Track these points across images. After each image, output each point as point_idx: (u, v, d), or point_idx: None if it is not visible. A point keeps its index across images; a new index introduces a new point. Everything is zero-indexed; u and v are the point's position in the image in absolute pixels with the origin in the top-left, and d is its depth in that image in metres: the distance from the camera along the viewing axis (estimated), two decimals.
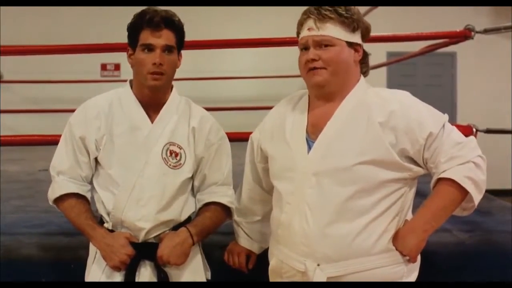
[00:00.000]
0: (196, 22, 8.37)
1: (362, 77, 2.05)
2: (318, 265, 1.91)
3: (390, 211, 1.92)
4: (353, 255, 1.89)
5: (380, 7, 5.61)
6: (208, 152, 2.25)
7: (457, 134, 1.96)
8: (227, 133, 2.39)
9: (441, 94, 9.20)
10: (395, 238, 1.93)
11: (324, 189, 1.90)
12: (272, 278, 2.12)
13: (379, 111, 1.91)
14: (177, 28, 2.17)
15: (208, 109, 2.36)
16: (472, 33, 3.31)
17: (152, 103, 2.21)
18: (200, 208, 2.28)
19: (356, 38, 1.98)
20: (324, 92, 1.99)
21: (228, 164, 2.32)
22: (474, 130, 3.04)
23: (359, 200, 1.89)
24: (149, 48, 2.12)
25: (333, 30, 1.93)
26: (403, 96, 1.99)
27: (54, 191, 2.22)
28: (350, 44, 1.97)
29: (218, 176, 2.28)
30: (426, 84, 9.18)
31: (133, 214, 2.13)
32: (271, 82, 8.38)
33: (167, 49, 2.13)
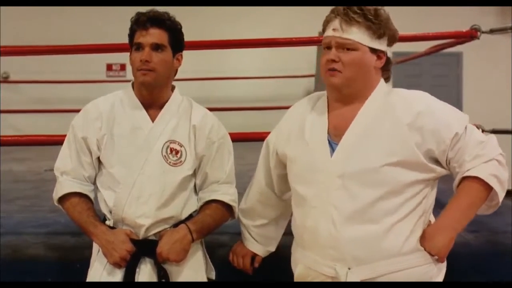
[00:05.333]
0: (204, 22, 8.40)
1: (382, 79, 2.02)
2: (349, 268, 1.88)
3: (416, 212, 1.91)
4: (383, 256, 1.87)
5: (385, 7, 5.60)
6: (209, 150, 2.26)
7: (479, 133, 1.97)
8: (234, 133, 2.39)
9: (447, 94, 9.15)
10: (423, 238, 1.92)
11: (351, 191, 1.88)
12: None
13: (405, 112, 1.90)
14: (169, 28, 2.20)
15: (215, 109, 2.36)
16: (478, 33, 3.31)
17: (152, 102, 2.24)
18: (202, 206, 2.28)
19: (381, 45, 1.95)
20: (341, 94, 1.97)
21: (230, 163, 2.33)
22: (480, 130, 3.03)
23: (386, 201, 1.87)
24: (139, 47, 2.17)
25: (357, 35, 1.90)
26: (427, 97, 1.99)
27: (57, 191, 2.26)
28: (374, 50, 1.94)
29: (219, 174, 2.29)
30: (431, 85, 9.14)
31: (133, 211, 2.15)
32: (278, 83, 8.38)
33: (156, 47, 2.16)
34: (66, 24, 8.69)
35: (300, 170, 2.02)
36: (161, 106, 2.24)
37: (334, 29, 1.93)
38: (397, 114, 1.91)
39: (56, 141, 2.37)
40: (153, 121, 2.22)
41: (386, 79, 2.05)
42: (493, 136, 1.98)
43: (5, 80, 8.82)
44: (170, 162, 2.18)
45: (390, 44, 1.99)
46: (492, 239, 2.83)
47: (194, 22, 8.45)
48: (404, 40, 4.06)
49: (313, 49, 7.28)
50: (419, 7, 8.08)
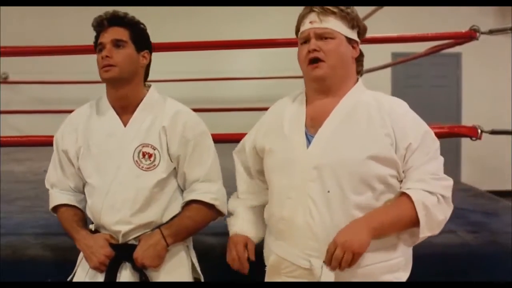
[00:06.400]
0: (203, 23, 8.40)
1: (360, 79, 2.08)
2: (324, 262, 1.88)
3: None
4: None
5: (385, 8, 5.60)
6: (185, 149, 2.21)
7: (439, 167, 1.95)
8: (233, 134, 2.37)
9: (446, 95, 9.17)
10: (342, 231, 1.85)
11: (327, 183, 1.89)
12: (270, 276, 2.08)
13: (378, 114, 1.94)
14: (128, 24, 2.22)
15: (212, 110, 2.35)
16: (477, 34, 3.30)
17: (125, 105, 2.23)
18: (182, 207, 2.25)
19: (354, 35, 2.03)
20: (324, 85, 2.01)
21: (211, 160, 2.27)
22: (479, 131, 3.04)
23: (360, 194, 1.88)
24: (101, 47, 2.19)
25: (335, 23, 1.98)
26: (400, 104, 2.01)
27: (49, 203, 2.34)
28: (349, 40, 2.01)
29: (198, 173, 2.24)
30: (431, 85, 9.16)
31: (109, 218, 2.16)
32: (275, 83, 8.37)
33: (117, 43, 2.18)
34: (66, 25, 8.69)
35: (277, 162, 2.03)
36: (134, 109, 2.23)
37: (311, 22, 2.01)
38: (372, 114, 1.95)
39: None
40: (126, 125, 2.21)
41: (359, 72, 2.10)
42: (450, 179, 1.96)
43: (5, 80, 8.82)
44: (142, 167, 2.16)
45: (361, 36, 2.07)
46: (492, 240, 2.84)
47: (193, 23, 8.47)
48: (404, 41, 4.07)
49: None
50: (418, 8, 8.08)
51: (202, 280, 2.33)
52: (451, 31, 3.65)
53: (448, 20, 6.87)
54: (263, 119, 2.22)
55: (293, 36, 3.45)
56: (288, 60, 7.90)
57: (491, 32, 3.34)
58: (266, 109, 2.26)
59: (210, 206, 2.24)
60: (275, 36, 3.74)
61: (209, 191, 2.24)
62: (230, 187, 2.34)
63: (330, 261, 1.84)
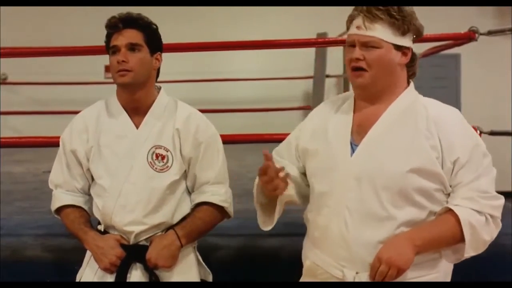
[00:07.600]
0: (204, 24, 8.40)
1: (412, 84, 2.01)
2: (357, 273, 1.85)
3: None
4: None
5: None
6: (197, 151, 2.23)
7: (490, 184, 1.89)
8: (233, 135, 2.37)
9: (445, 96, 9.08)
10: (388, 246, 1.81)
11: (366, 194, 1.84)
12: (306, 278, 2.04)
13: (424, 124, 1.88)
14: (143, 27, 2.19)
15: (214, 111, 2.36)
16: (476, 35, 3.31)
17: (136, 107, 2.23)
18: (192, 209, 2.27)
19: (405, 41, 1.93)
20: (367, 93, 1.94)
21: (220, 162, 2.29)
22: (478, 132, 3.03)
23: (401, 207, 1.83)
24: (115, 50, 2.16)
25: (381, 32, 1.87)
26: (447, 114, 1.94)
27: (52, 204, 2.32)
28: (398, 47, 1.91)
29: (209, 175, 2.26)
30: (430, 86, 9.14)
31: (120, 219, 2.16)
32: (277, 84, 8.37)
33: (132, 47, 2.15)
34: (64, 25, 8.68)
35: (318, 167, 1.98)
36: (146, 110, 2.23)
37: (357, 27, 1.90)
38: (418, 123, 1.88)
39: (55, 143, 2.38)
40: (138, 127, 2.21)
41: (412, 75, 2.03)
42: (502, 197, 1.90)
43: (4, 81, 8.82)
44: (156, 168, 2.17)
45: (415, 39, 1.98)
46: (493, 241, 2.83)
47: (194, 24, 8.47)
48: None
49: (311, 50, 7.28)
50: (417, 8, 8.07)
51: (211, 279, 2.34)
52: (450, 32, 3.65)
53: (447, 21, 6.85)
54: (308, 120, 2.14)
55: (291, 36, 3.46)
56: (288, 61, 7.92)
57: (490, 33, 3.35)
58: (266, 110, 2.25)
59: (220, 208, 2.26)
60: (275, 37, 3.74)
61: (218, 193, 2.27)
62: (234, 189, 2.35)
63: (374, 276, 1.80)
